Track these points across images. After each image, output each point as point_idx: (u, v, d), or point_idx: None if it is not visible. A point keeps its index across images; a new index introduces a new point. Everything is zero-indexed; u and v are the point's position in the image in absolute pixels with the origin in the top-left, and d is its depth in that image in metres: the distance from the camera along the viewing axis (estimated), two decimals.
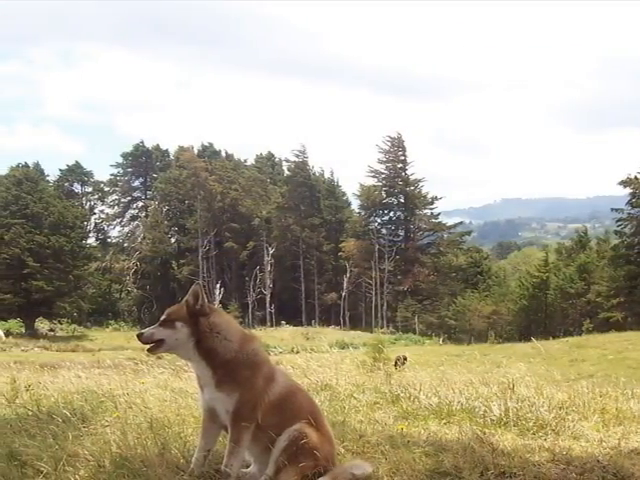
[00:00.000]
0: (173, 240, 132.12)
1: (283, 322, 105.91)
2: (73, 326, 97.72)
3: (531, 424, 7.99)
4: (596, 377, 21.56)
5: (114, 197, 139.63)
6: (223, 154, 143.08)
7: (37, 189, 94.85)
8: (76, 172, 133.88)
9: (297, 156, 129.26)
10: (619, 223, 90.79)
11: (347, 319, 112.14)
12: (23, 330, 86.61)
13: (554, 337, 66.98)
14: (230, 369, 5.47)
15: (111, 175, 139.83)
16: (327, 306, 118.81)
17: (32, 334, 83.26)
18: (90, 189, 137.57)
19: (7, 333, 77.76)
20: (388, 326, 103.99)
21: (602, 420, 8.52)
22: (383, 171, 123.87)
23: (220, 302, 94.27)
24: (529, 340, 39.85)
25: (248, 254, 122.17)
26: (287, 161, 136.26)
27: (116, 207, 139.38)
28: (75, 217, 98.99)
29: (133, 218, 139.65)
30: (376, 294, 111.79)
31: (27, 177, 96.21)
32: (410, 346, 70.63)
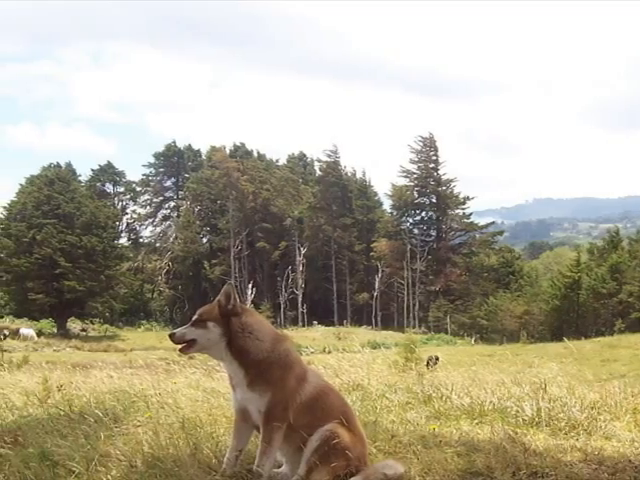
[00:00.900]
0: (205, 240, 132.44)
1: (315, 322, 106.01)
2: (105, 326, 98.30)
3: (563, 424, 7.96)
4: (628, 377, 21.53)
5: (146, 197, 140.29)
6: (255, 154, 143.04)
7: (69, 189, 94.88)
8: (108, 172, 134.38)
9: (329, 156, 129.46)
10: None
11: (379, 319, 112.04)
12: (55, 330, 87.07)
13: (586, 337, 66.82)
14: (262, 369, 5.48)
15: (143, 175, 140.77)
16: (359, 306, 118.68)
17: (64, 334, 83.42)
18: (122, 189, 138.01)
19: (39, 333, 78.03)
20: (420, 326, 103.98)
21: (634, 420, 8.47)
22: (415, 171, 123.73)
23: (252, 302, 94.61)
24: (561, 340, 39.75)
25: (280, 254, 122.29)
26: (319, 161, 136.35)
27: (148, 207, 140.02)
28: (107, 217, 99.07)
29: (165, 218, 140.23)
30: (408, 294, 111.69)
31: (59, 177, 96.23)
32: (442, 346, 70.62)
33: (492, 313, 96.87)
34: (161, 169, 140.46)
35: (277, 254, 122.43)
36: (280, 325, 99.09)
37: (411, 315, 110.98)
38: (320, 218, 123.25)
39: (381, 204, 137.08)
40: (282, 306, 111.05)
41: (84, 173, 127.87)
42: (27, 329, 76.75)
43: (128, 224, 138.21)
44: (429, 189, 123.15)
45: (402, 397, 9.78)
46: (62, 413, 8.54)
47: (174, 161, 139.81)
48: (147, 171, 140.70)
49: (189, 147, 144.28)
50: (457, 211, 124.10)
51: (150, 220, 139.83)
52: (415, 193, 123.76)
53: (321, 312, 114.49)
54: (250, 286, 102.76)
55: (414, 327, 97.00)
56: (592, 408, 8.74)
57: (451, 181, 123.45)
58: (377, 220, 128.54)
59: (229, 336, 5.48)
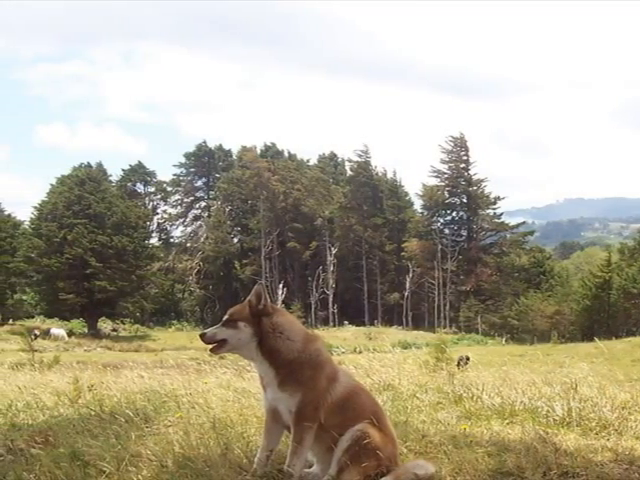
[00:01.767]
0: (236, 240, 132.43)
1: (346, 322, 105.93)
2: (136, 326, 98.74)
3: (594, 424, 7.96)
4: None
5: (177, 197, 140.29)
6: (286, 154, 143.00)
7: (100, 189, 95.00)
8: (139, 172, 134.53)
9: (360, 156, 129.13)
10: None
11: (409, 319, 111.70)
12: (86, 330, 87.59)
13: (617, 337, 66.30)
14: (293, 369, 5.49)
15: (174, 175, 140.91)
16: (389, 306, 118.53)
17: (95, 334, 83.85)
18: (153, 189, 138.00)
19: (70, 333, 78.42)
20: (451, 326, 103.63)
21: None
22: (446, 171, 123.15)
23: (283, 302, 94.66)
24: (592, 340, 39.67)
25: (311, 254, 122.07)
26: (350, 161, 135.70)
27: (179, 207, 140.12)
28: (138, 217, 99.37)
29: (196, 218, 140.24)
30: (439, 294, 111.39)
31: (90, 177, 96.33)
32: (473, 346, 70.41)
33: (523, 313, 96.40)
34: (192, 169, 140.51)
35: (308, 254, 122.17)
36: (311, 325, 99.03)
37: (442, 315, 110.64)
38: (351, 218, 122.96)
39: (412, 204, 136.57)
40: (313, 306, 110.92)
41: (115, 173, 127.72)
42: (58, 329, 77.24)
43: (159, 224, 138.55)
44: (460, 189, 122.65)
45: (433, 397, 9.81)
46: (93, 413, 8.61)
47: (205, 161, 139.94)
48: (178, 171, 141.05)
49: (220, 147, 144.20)
50: (488, 211, 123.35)
51: (181, 220, 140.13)
52: (446, 193, 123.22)
53: (352, 312, 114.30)
54: (281, 286, 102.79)
55: (445, 327, 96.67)
56: (623, 408, 8.73)
57: (482, 181, 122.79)
58: (408, 220, 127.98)
59: (260, 336, 5.50)
